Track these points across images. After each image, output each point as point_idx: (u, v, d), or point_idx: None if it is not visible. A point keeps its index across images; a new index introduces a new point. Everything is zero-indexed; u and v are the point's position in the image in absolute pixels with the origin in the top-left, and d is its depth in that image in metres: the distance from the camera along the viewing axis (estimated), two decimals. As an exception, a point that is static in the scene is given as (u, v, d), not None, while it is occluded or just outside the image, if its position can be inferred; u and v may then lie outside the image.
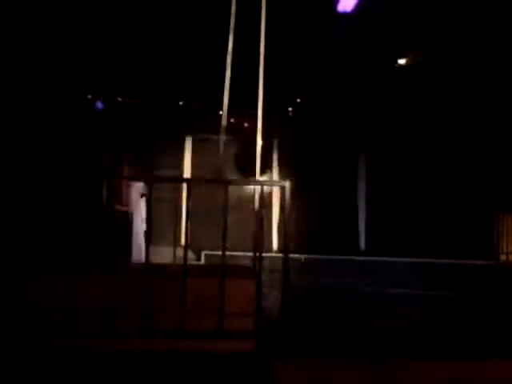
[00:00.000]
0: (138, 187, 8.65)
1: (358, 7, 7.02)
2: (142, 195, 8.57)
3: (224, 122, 4.07)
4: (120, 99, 10.93)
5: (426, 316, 4.72)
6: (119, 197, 8.65)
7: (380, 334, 3.50)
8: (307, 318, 3.70)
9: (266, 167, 11.89)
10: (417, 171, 10.61)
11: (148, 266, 3.12)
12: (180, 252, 9.70)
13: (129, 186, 8.83)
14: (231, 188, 3.18)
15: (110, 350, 2.84)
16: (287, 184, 3.07)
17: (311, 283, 6.78)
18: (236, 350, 3.00)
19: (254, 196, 3.31)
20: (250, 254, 3.73)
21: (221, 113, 10.25)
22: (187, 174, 10.95)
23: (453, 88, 9.47)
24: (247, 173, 10.68)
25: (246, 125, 10.68)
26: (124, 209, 8.46)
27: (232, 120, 11.09)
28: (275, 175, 11.59)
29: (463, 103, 9.68)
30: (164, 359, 2.95)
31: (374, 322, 3.94)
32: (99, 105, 11.01)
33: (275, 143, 11.70)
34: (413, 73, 8.99)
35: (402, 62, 8.68)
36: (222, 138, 4.10)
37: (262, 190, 3.32)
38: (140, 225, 8.11)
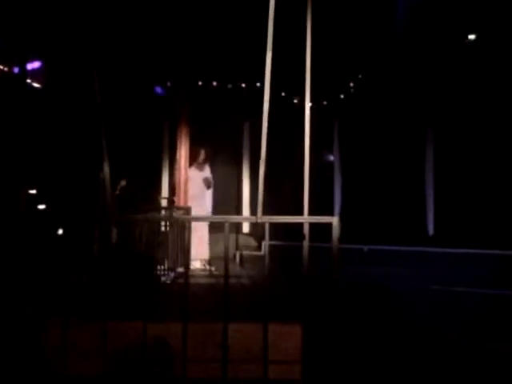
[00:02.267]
0: (200, 176, 8.01)
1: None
2: (208, 187, 8.11)
3: (266, 104, 3.50)
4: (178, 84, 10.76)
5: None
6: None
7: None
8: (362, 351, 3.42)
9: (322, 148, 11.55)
10: (493, 150, 9.82)
11: (186, 305, 2.92)
12: (242, 239, 9.65)
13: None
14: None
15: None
16: (335, 221, 2.78)
17: (372, 282, 6.46)
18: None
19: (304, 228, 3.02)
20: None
21: (283, 94, 9.92)
22: (246, 160, 10.75)
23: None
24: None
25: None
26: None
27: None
28: (336, 158, 11.20)
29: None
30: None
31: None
32: (159, 90, 10.95)
33: (336, 122, 11.27)
34: (484, 48, 8.27)
35: (471, 37, 8.00)
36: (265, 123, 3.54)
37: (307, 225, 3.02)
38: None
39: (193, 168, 8.00)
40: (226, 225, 2.84)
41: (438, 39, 8.41)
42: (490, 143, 9.75)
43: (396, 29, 8.90)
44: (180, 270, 7.16)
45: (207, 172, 8.15)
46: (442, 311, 5.13)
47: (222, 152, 10.66)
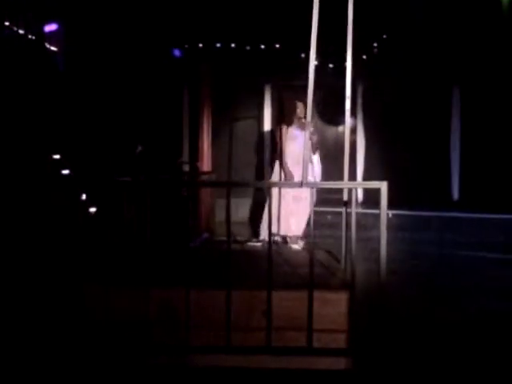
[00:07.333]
0: (303, 136, 6.63)
1: None
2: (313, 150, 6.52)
3: (312, 64, 3.40)
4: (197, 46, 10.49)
5: None
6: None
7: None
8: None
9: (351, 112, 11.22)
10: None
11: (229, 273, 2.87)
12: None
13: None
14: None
15: (189, 366, 2.70)
16: (383, 186, 2.66)
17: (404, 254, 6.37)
18: (326, 368, 2.77)
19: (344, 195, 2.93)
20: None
21: (303, 55, 9.66)
22: (267, 125, 10.57)
23: None
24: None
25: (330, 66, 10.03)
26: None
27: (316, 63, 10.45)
28: (360, 121, 10.97)
29: None
30: (250, 376, 2.78)
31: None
32: (176, 52, 10.71)
33: (360, 85, 10.99)
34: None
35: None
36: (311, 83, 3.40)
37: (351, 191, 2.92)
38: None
39: (294, 127, 6.69)
40: (271, 190, 2.75)
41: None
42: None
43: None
44: (205, 235, 7.15)
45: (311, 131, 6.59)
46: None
47: (243, 115, 10.50)
